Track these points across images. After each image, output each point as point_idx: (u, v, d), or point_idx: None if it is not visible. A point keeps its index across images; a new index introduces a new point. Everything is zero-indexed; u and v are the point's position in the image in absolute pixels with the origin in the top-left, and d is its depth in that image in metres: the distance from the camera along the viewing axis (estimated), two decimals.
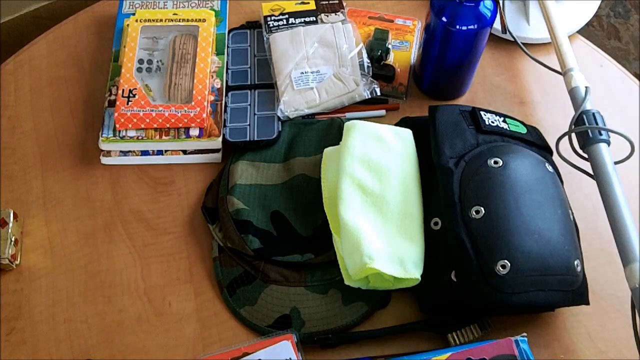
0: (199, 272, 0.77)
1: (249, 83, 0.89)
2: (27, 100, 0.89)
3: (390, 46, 0.93)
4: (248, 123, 0.85)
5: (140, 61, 0.87)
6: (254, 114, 0.86)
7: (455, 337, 0.70)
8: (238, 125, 0.85)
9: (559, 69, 0.85)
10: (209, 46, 0.88)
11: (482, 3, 0.80)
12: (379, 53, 0.91)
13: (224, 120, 0.85)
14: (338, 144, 0.80)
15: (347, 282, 0.72)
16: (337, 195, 0.74)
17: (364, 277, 0.72)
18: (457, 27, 0.80)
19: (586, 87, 0.80)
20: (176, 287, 0.76)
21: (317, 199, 0.78)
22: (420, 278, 0.72)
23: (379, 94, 0.88)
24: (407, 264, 0.71)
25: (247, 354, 0.68)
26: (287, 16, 0.94)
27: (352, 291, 0.73)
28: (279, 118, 0.85)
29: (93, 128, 0.86)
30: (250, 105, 0.87)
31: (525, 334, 0.66)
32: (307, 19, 0.94)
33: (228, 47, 0.92)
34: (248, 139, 0.83)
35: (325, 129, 0.85)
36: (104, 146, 0.83)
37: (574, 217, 0.76)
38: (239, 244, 0.75)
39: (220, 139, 0.83)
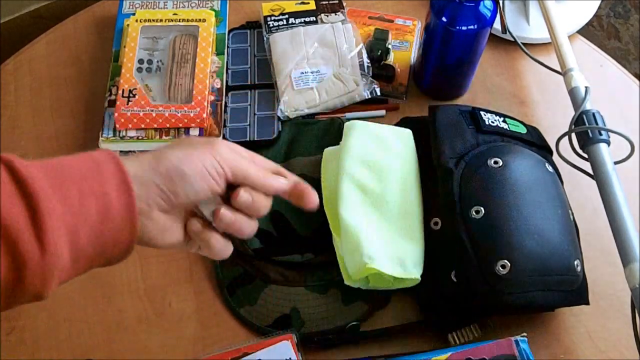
0: (199, 272, 0.77)
1: (249, 83, 0.89)
2: (27, 100, 0.89)
3: (390, 46, 0.93)
4: (248, 123, 0.85)
5: (141, 61, 0.87)
6: (254, 114, 0.86)
7: (456, 337, 0.70)
8: (238, 125, 0.85)
9: (559, 69, 0.85)
10: (209, 46, 0.88)
11: (482, 3, 0.80)
12: (379, 53, 0.91)
13: (224, 120, 0.85)
14: (338, 144, 0.80)
15: (347, 282, 0.72)
16: (337, 195, 0.74)
17: (363, 277, 0.72)
18: (457, 27, 0.80)
19: (586, 87, 0.80)
20: (176, 287, 0.76)
21: (318, 199, 0.78)
22: (420, 278, 0.72)
23: (378, 94, 0.88)
24: (407, 264, 0.71)
25: (247, 354, 0.68)
26: (287, 16, 0.94)
27: (352, 291, 0.73)
28: (278, 118, 0.85)
29: (93, 128, 0.86)
30: (250, 105, 0.87)
31: (525, 334, 0.66)
32: (307, 19, 0.94)
33: (228, 47, 0.92)
34: (248, 139, 0.83)
35: (325, 129, 0.85)
36: (104, 146, 0.83)
37: (574, 217, 0.76)
38: (239, 243, 0.75)
39: (220, 139, 0.83)
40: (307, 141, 0.84)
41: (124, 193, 0.48)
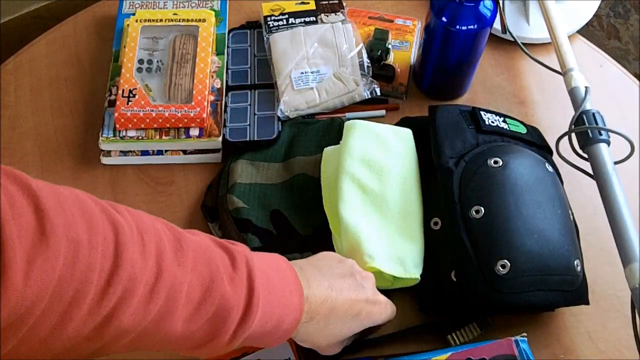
0: None
1: (249, 83, 0.89)
2: (27, 100, 0.89)
3: (390, 46, 0.93)
4: (248, 123, 0.85)
5: (141, 61, 0.87)
6: (254, 113, 0.86)
7: (455, 337, 0.70)
8: (238, 125, 0.85)
9: (559, 69, 0.85)
10: (209, 46, 0.88)
11: (482, 3, 0.80)
12: (379, 53, 0.91)
13: (224, 120, 0.85)
14: (338, 143, 0.80)
15: None
16: (337, 194, 0.74)
17: None
18: (457, 27, 0.80)
19: (586, 87, 0.80)
20: None
21: (317, 198, 0.78)
22: (419, 278, 0.72)
23: (378, 94, 0.88)
24: (407, 264, 0.71)
25: (246, 353, 0.68)
26: (287, 16, 0.94)
27: None
28: (278, 118, 0.85)
29: (93, 128, 0.86)
30: (250, 105, 0.87)
31: (525, 334, 0.66)
32: (307, 19, 0.94)
33: (228, 47, 0.92)
34: (248, 139, 0.83)
35: (325, 129, 0.85)
36: (104, 146, 0.83)
37: (574, 217, 0.76)
38: (238, 241, 0.75)
39: (220, 139, 0.83)
40: (307, 140, 0.84)
41: (295, 322, 0.57)
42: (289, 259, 0.75)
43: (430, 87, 0.91)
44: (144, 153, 0.84)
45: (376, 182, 0.75)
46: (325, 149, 0.81)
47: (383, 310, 0.65)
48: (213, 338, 0.52)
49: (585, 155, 0.77)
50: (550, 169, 0.75)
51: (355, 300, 0.61)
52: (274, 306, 0.54)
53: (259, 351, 0.68)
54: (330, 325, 0.60)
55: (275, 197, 0.80)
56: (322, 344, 0.63)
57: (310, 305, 0.58)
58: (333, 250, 0.75)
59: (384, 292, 0.73)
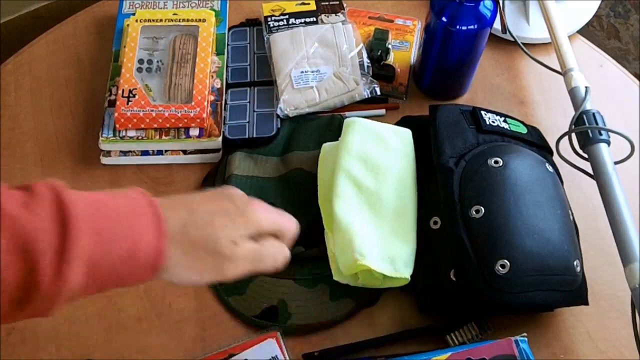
0: None
1: (248, 80, 0.89)
2: (27, 100, 0.89)
3: (390, 46, 0.93)
4: (247, 120, 0.85)
5: (141, 61, 0.87)
6: (253, 111, 0.86)
7: (454, 337, 0.70)
8: (237, 122, 0.85)
9: (559, 69, 0.85)
10: (209, 46, 0.88)
11: (482, 3, 0.80)
12: (379, 53, 0.91)
13: (224, 118, 0.85)
14: (338, 140, 0.80)
15: (336, 278, 0.72)
16: (332, 191, 0.74)
17: (353, 274, 0.71)
18: (457, 27, 0.80)
19: (586, 87, 0.80)
20: (176, 287, 0.76)
21: (313, 194, 0.78)
22: (409, 278, 0.72)
23: (378, 93, 0.88)
24: (397, 263, 0.71)
25: (232, 354, 0.68)
26: (287, 16, 0.94)
27: (340, 287, 0.73)
28: (277, 115, 0.85)
29: (93, 128, 0.86)
30: (249, 102, 0.87)
31: (525, 334, 0.66)
32: (307, 20, 0.94)
33: (228, 44, 0.92)
34: (247, 136, 0.83)
35: (325, 125, 0.85)
36: (104, 146, 0.83)
37: (573, 217, 0.76)
38: None
39: (220, 138, 0.83)
40: (306, 136, 0.84)
41: (156, 240, 0.51)
42: None
43: (430, 87, 0.91)
44: (144, 153, 0.84)
45: (372, 181, 0.75)
46: (324, 145, 0.81)
47: (246, 253, 0.57)
48: (31, 273, 0.46)
49: (585, 155, 0.77)
50: (550, 169, 0.75)
51: (218, 232, 0.56)
52: (114, 228, 0.50)
53: (245, 351, 0.68)
54: (194, 254, 0.55)
55: (271, 190, 0.80)
56: (194, 279, 0.57)
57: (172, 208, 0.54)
58: (324, 246, 0.75)
59: (373, 290, 0.73)
